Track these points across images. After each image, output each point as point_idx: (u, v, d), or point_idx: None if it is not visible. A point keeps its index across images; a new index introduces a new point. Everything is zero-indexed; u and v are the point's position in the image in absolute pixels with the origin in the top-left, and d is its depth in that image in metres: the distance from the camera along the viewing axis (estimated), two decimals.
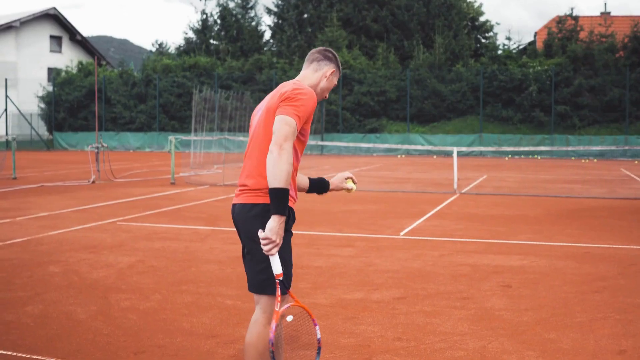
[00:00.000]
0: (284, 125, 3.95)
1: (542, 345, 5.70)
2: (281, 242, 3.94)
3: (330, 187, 4.86)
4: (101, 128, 49.20)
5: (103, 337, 5.86)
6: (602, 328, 6.17)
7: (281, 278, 3.97)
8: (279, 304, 3.99)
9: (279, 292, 4.00)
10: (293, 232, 4.25)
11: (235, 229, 4.33)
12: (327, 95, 4.65)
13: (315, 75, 4.43)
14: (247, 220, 4.12)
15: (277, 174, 3.86)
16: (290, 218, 4.13)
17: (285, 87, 4.20)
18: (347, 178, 4.89)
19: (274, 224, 3.88)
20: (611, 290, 7.57)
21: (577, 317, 6.53)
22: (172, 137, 21.76)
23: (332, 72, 4.45)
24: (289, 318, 4.06)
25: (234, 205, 4.27)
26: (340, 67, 4.55)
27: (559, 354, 5.50)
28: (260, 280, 4.10)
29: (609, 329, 6.13)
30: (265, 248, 3.89)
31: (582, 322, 6.34)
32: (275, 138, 3.93)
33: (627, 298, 7.23)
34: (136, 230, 11.59)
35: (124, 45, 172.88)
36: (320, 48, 4.53)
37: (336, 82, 4.56)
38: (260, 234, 3.90)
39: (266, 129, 4.13)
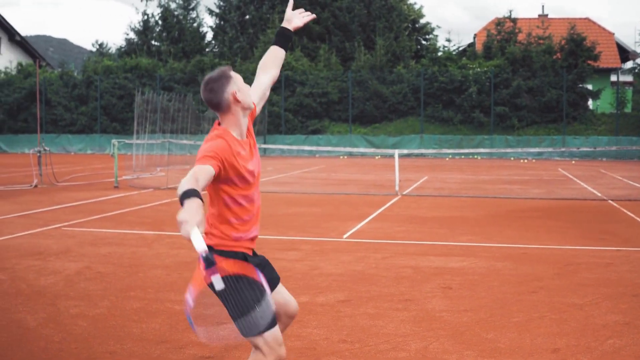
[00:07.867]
0: None
1: (480, 345, 5.93)
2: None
3: (293, 28, 4.69)
4: (42, 130, 48.49)
5: (54, 344, 5.93)
6: (538, 327, 6.42)
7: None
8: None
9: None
10: None
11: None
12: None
13: (229, 112, 4.04)
14: None
15: None
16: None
17: None
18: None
19: None
20: (547, 291, 7.85)
21: (514, 317, 6.78)
22: (115, 141, 21.67)
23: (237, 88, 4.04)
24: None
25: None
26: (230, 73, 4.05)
27: (497, 353, 5.73)
28: None
29: (544, 328, 6.39)
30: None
31: (519, 322, 6.59)
32: None
33: (562, 298, 7.51)
34: (81, 236, 11.58)
35: (63, 45, 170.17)
36: (205, 84, 3.99)
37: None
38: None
39: None
